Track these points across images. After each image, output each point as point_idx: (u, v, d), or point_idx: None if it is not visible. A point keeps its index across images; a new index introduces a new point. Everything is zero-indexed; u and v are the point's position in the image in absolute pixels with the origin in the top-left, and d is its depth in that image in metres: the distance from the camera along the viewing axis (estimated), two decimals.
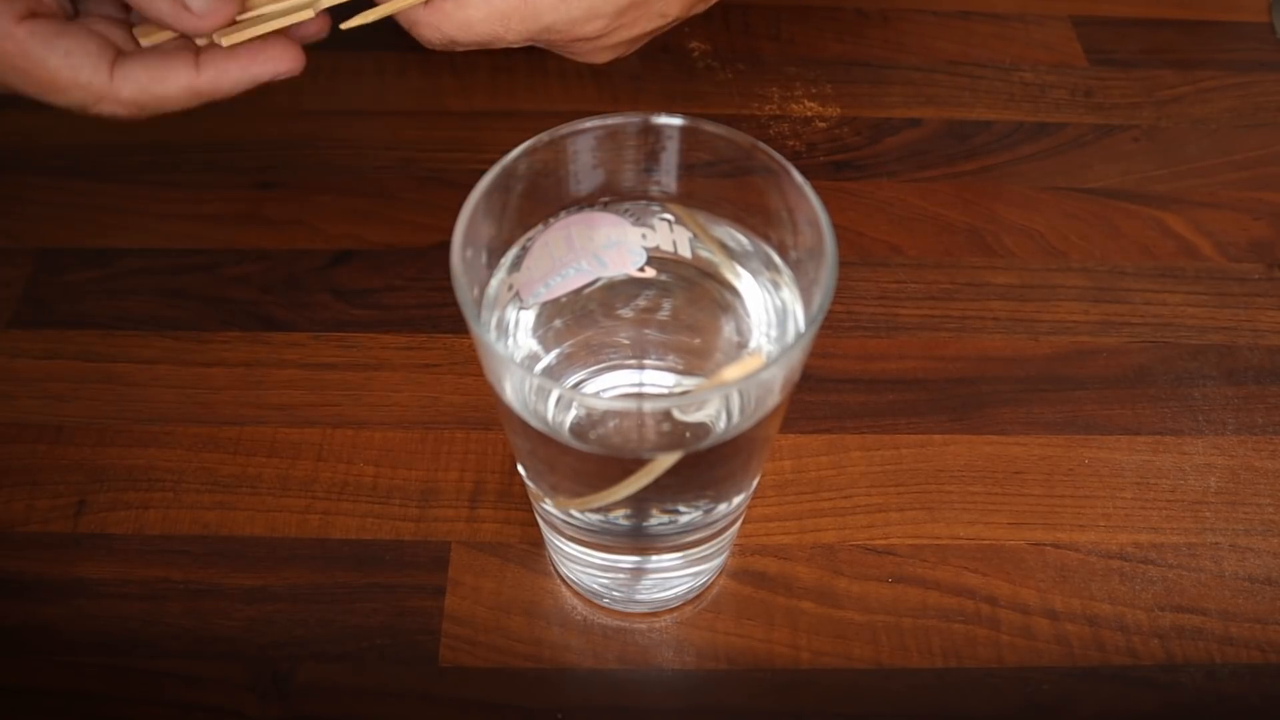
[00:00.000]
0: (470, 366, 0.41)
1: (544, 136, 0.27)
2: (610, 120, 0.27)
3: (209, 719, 0.33)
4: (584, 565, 0.33)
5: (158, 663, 0.34)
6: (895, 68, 0.53)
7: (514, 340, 0.29)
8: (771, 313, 0.29)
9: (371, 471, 0.38)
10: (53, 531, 0.36)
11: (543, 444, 0.27)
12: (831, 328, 0.42)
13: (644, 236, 0.29)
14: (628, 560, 0.33)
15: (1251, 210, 0.48)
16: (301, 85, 0.51)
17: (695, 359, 0.31)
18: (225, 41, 0.31)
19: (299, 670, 0.34)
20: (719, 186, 0.29)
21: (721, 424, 0.29)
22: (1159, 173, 0.49)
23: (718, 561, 0.35)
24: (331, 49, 0.53)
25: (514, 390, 0.26)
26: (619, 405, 0.28)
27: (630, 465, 0.26)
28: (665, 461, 0.25)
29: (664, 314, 0.31)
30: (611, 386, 0.31)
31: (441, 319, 0.42)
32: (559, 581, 0.36)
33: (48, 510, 0.37)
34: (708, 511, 0.30)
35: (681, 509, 0.29)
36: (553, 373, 0.30)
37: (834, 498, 0.38)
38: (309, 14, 0.32)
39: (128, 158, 0.48)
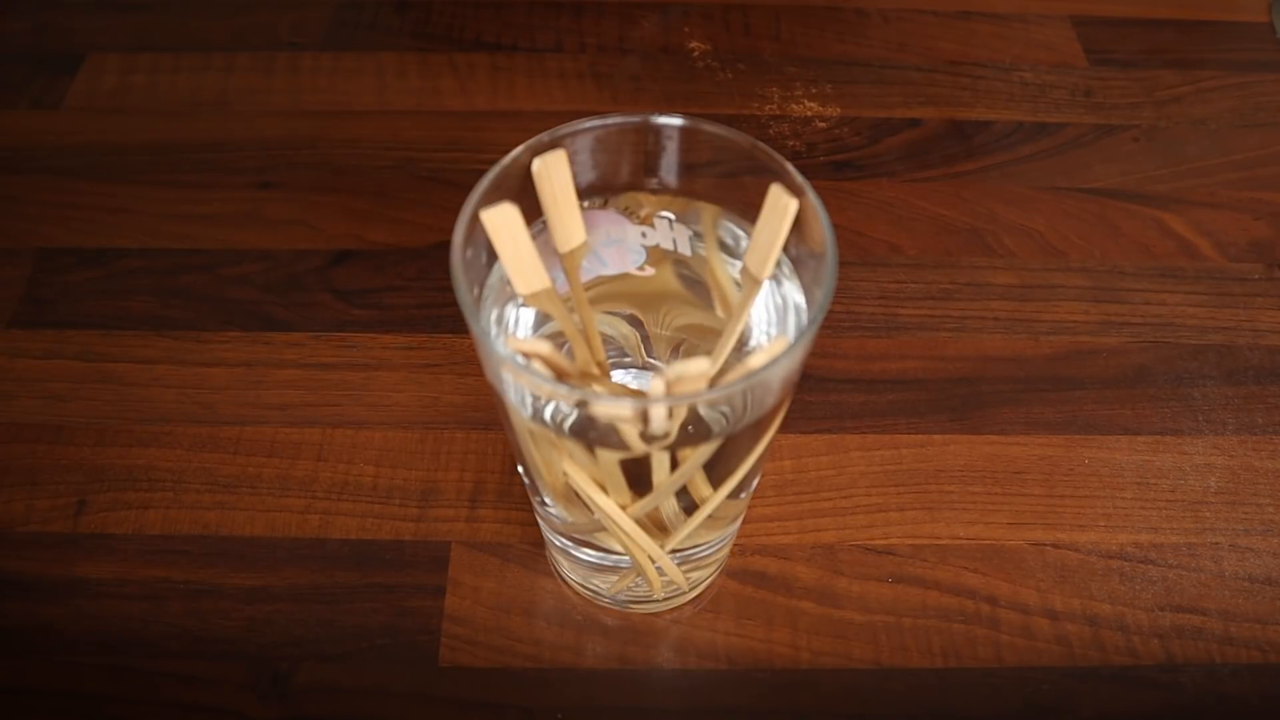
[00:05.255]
0: (470, 366, 0.41)
1: (544, 136, 0.27)
2: (610, 120, 0.27)
3: (209, 719, 0.33)
4: (584, 565, 0.33)
5: (157, 663, 0.34)
6: (895, 68, 0.53)
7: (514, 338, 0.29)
8: (772, 311, 0.29)
9: (371, 471, 0.38)
10: (53, 531, 0.36)
11: (543, 444, 0.27)
12: (831, 328, 0.42)
13: (644, 235, 0.29)
14: (628, 560, 0.33)
15: (1251, 210, 0.48)
16: (301, 85, 0.51)
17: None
18: None
19: (299, 670, 0.34)
20: (719, 186, 0.29)
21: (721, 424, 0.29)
22: (1159, 173, 0.49)
23: (718, 561, 0.35)
24: (331, 49, 0.53)
25: (514, 390, 0.26)
26: (619, 405, 0.28)
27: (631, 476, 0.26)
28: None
29: (664, 313, 0.31)
30: None
31: (441, 319, 0.42)
32: (559, 581, 0.36)
33: (48, 510, 0.37)
34: None
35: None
36: None
37: (834, 498, 0.38)
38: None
39: (128, 158, 0.48)
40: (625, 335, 0.31)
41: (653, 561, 0.30)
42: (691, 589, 0.34)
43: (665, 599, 0.34)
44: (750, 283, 0.26)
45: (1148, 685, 0.34)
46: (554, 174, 0.25)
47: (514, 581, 0.36)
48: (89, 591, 0.35)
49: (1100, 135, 0.51)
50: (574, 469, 0.27)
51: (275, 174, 0.47)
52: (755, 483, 0.31)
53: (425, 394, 0.40)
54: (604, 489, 0.27)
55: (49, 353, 0.41)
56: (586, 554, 0.32)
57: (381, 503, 0.37)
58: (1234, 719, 0.34)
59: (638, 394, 0.23)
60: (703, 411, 0.27)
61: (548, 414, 0.28)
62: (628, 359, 0.31)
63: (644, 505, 0.28)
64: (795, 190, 0.25)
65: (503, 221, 0.24)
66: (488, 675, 0.34)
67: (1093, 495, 0.38)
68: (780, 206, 0.24)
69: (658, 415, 0.23)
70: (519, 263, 0.25)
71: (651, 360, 0.31)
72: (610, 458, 0.26)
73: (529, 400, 0.27)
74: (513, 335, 0.29)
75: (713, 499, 0.28)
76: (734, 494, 0.30)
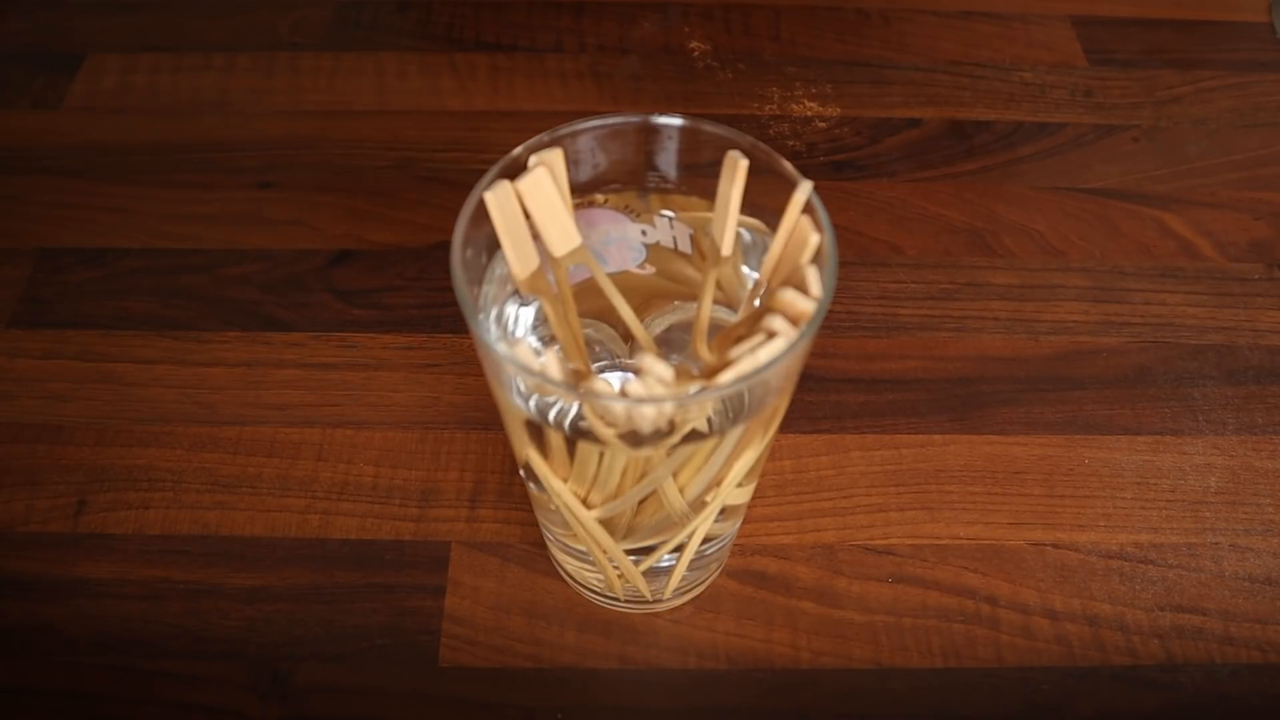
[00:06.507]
0: (470, 366, 0.41)
1: (544, 136, 0.27)
2: (610, 120, 0.27)
3: (209, 719, 0.33)
4: (584, 563, 0.33)
5: (158, 663, 0.34)
6: (895, 68, 0.53)
7: (514, 339, 0.29)
8: None
9: (371, 471, 0.38)
10: (53, 531, 0.36)
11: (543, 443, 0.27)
12: (831, 328, 0.42)
13: (644, 233, 0.29)
14: (628, 559, 0.32)
15: (1251, 210, 0.48)
16: (301, 85, 0.51)
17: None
18: None
19: (299, 670, 0.34)
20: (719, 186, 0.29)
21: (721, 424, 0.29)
22: (1159, 173, 0.49)
23: (718, 561, 0.35)
24: (331, 49, 0.53)
25: (514, 389, 0.26)
26: (619, 404, 0.28)
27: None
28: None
29: (664, 311, 0.31)
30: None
31: (441, 319, 0.42)
32: (559, 581, 0.36)
33: (48, 510, 0.37)
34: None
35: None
36: None
37: (834, 498, 0.38)
38: None
39: (128, 158, 0.48)
40: (610, 338, 0.31)
41: (611, 562, 0.30)
42: (654, 598, 0.34)
43: (663, 600, 0.34)
44: (714, 252, 0.26)
45: (1148, 685, 0.34)
46: (509, 206, 0.25)
47: (514, 581, 0.36)
48: (89, 591, 0.35)
49: (1100, 135, 0.51)
50: (539, 461, 0.27)
51: (275, 174, 0.47)
52: (755, 484, 0.31)
53: (425, 394, 0.40)
54: (589, 488, 0.27)
55: (49, 353, 0.41)
56: (587, 553, 0.32)
57: (381, 503, 0.37)
58: (1234, 719, 0.34)
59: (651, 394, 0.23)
60: (696, 417, 0.27)
61: (551, 415, 0.28)
62: (620, 360, 0.31)
63: (629, 498, 0.28)
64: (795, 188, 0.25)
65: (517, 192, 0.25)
66: (488, 675, 0.34)
67: (1093, 495, 0.38)
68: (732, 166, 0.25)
69: (647, 416, 0.23)
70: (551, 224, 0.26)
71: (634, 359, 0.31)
72: (619, 463, 0.26)
73: (527, 398, 0.27)
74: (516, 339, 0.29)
75: (715, 500, 0.28)
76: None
